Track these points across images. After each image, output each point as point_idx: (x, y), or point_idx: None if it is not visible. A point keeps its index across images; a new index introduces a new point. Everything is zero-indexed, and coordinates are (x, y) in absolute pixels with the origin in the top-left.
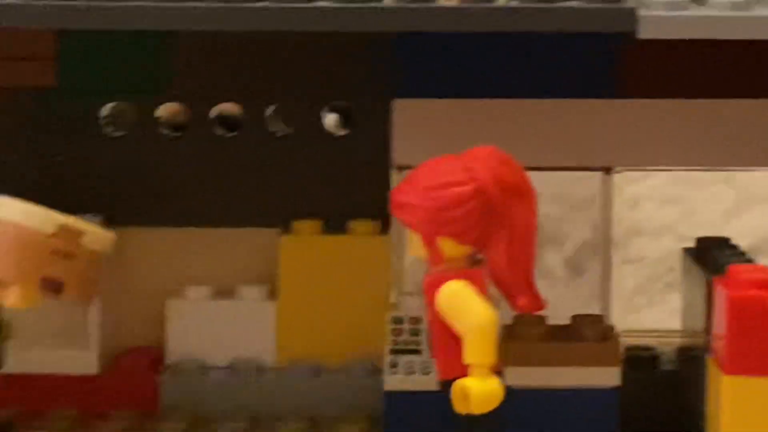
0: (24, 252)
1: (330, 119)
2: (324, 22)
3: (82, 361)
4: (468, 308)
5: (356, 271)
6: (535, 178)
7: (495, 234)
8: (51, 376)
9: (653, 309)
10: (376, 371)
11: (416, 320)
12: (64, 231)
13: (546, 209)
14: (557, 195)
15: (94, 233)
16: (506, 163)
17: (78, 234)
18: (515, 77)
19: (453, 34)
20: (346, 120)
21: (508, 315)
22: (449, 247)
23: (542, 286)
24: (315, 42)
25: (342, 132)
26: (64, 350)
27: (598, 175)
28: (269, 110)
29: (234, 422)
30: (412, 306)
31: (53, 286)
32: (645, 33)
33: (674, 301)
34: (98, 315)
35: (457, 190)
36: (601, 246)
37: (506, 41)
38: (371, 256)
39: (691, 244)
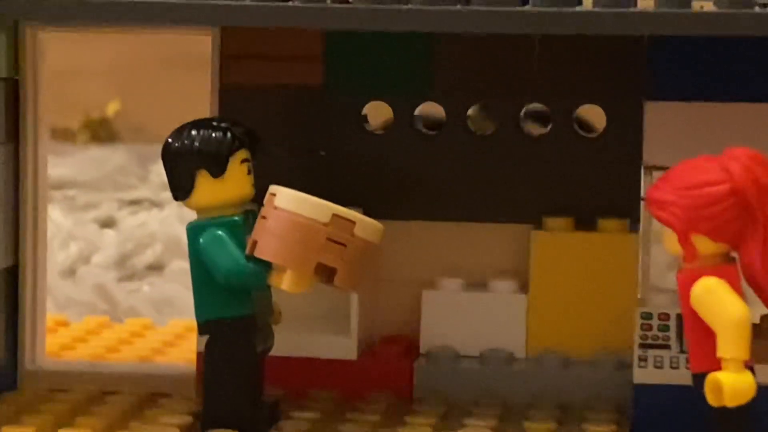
0: (301, 239)
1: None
2: (580, 25)
3: (342, 346)
4: (722, 304)
5: (605, 267)
6: None
7: (750, 233)
8: (314, 359)
9: None
10: (624, 364)
11: (665, 316)
12: (337, 220)
13: None
14: None
15: (365, 223)
16: (763, 165)
17: (351, 224)
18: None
19: (706, 37)
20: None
21: (755, 314)
22: (704, 245)
23: None
24: (570, 44)
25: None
26: (327, 336)
27: None
28: (523, 111)
29: (485, 409)
30: (661, 302)
31: (326, 273)
32: None
33: None
34: (358, 304)
35: (714, 189)
36: None
37: (760, 45)
38: (620, 252)
39: None
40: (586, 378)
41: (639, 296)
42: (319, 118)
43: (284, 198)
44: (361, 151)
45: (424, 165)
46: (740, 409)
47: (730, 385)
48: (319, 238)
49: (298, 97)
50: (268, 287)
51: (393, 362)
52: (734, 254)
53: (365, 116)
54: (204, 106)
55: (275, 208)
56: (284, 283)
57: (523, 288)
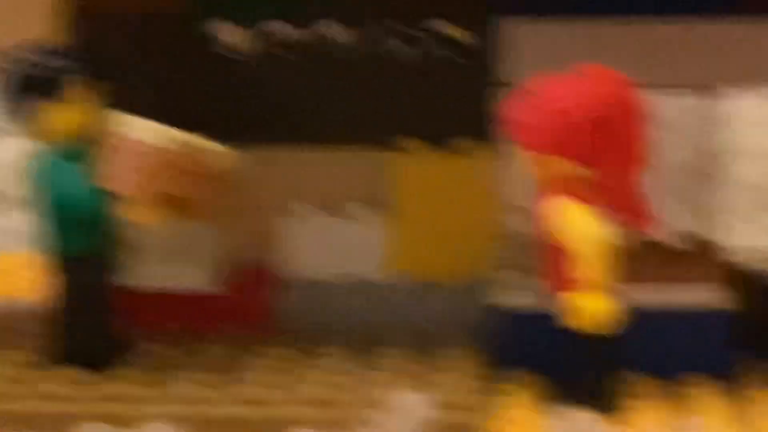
0: (149, 169)
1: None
2: None
3: (197, 278)
4: (581, 227)
5: (463, 189)
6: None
7: (609, 154)
8: (168, 292)
9: (755, 228)
10: (483, 288)
11: (523, 237)
12: (187, 149)
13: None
14: (660, 115)
15: (216, 152)
16: (619, 84)
17: (201, 152)
18: None
19: None
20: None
21: (619, 235)
22: (563, 167)
23: None
24: None
25: (445, 51)
26: (181, 267)
27: (706, 94)
28: (376, 30)
29: (342, 336)
30: (519, 223)
31: (177, 203)
32: None
33: None
34: (212, 233)
35: (573, 111)
36: (707, 167)
37: None
38: (477, 173)
39: None
40: (444, 302)
41: (497, 218)
42: (178, 43)
43: (133, 128)
44: (216, 77)
45: (279, 89)
46: (600, 332)
47: (590, 308)
48: (168, 168)
49: (157, 23)
50: (119, 219)
51: (250, 292)
52: (594, 176)
53: (221, 41)
54: (57, 34)
55: (124, 138)
56: (134, 214)
57: (381, 212)
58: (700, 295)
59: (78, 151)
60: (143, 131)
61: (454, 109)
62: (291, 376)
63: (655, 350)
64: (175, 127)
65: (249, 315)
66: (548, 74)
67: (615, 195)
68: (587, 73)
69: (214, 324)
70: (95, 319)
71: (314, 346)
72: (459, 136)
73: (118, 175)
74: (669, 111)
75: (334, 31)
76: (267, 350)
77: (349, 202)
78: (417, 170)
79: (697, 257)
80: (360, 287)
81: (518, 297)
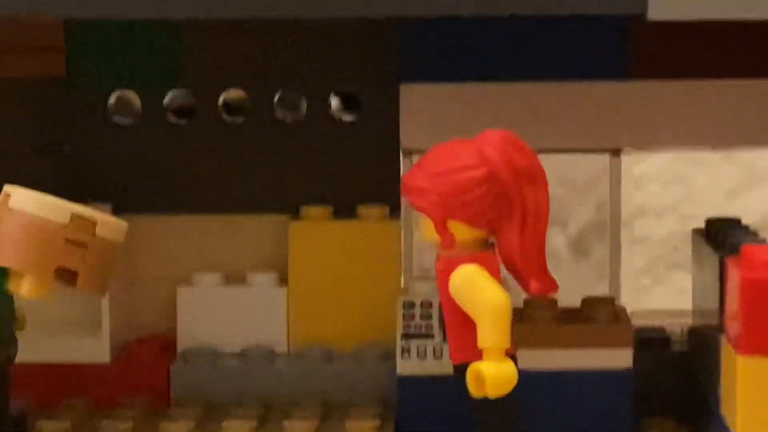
0: (38, 242)
1: (335, 103)
2: (326, 9)
3: (94, 350)
4: (481, 292)
5: (366, 256)
6: (541, 160)
7: (507, 218)
8: (63, 365)
9: (659, 289)
10: (388, 356)
11: (428, 304)
12: (77, 221)
13: (551, 191)
14: (561, 176)
15: (107, 223)
16: (518, 147)
17: (92, 224)
18: (523, 60)
19: (459, 18)
20: (351, 104)
21: (519, 298)
22: (461, 231)
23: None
24: (322, 28)
25: (348, 116)
26: (76, 339)
27: (605, 156)
28: (277, 97)
29: (246, 409)
30: (423, 290)
31: (67, 277)
32: (654, 15)
33: (679, 281)
34: (110, 304)
35: (470, 174)
36: (609, 226)
37: (514, 24)
38: (381, 240)
39: (695, 223)
40: (350, 372)
41: (402, 285)
42: (63, 111)
43: (19, 199)
44: (110, 144)
45: (176, 156)
46: (503, 399)
47: (492, 375)
48: (58, 240)
49: (41, 90)
50: (6, 293)
51: (148, 364)
52: (493, 240)
53: (112, 107)
54: None
55: (10, 209)
56: (23, 289)
57: (283, 281)
58: (604, 358)
59: None
60: (31, 202)
61: (359, 176)
62: None
63: (559, 413)
64: (64, 199)
65: (147, 387)
66: (452, 137)
67: (515, 259)
68: (485, 136)
69: (112, 396)
70: None
71: (216, 420)
72: (364, 204)
73: (6, 249)
74: (574, 172)
75: (233, 97)
76: (166, 426)
77: (251, 271)
78: (321, 238)
79: (601, 319)
80: (262, 358)
81: (423, 364)
